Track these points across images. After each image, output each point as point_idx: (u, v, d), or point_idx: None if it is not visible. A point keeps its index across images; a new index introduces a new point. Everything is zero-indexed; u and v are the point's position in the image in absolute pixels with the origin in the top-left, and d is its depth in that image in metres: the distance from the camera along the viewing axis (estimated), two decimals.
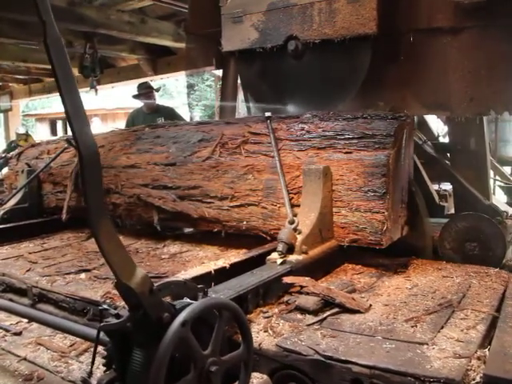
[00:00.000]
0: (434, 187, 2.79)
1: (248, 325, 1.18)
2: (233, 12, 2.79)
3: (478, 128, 2.54)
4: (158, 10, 6.39)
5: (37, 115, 20.07)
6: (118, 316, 1.03)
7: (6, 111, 12.41)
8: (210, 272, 1.64)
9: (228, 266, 1.70)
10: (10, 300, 2.10)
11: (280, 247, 1.71)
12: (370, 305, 1.60)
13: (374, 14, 2.34)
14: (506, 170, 6.74)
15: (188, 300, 1.12)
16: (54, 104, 19.63)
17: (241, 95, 3.74)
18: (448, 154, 2.79)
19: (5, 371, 1.72)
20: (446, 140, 3.05)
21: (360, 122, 2.02)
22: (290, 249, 1.74)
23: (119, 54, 7.71)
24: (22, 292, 2.13)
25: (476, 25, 2.33)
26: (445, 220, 2.34)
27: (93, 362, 1.08)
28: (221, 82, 3.93)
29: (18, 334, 1.93)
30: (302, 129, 2.10)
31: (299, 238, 1.77)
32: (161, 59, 7.86)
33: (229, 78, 3.65)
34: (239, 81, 3.42)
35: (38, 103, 20.96)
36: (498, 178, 6.09)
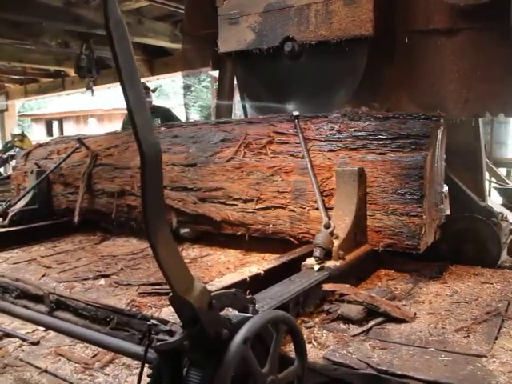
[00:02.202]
0: None
1: (304, 339, 1.09)
2: (229, 13, 2.79)
3: (473, 129, 2.51)
4: (154, 11, 6.36)
5: (33, 116, 19.87)
6: (170, 333, 0.93)
7: (1, 112, 12.29)
8: (246, 279, 1.55)
9: (262, 272, 1.61)
10: (25, 307, 2.00)
11: (317, 253, 1.63)
12: (415, 313, 1.53)
13: (370, 15, 2.35)
14: (502, 171, 6.74)
15: (242, 313, 1.03)
16: (49, 104, 19.44)
17: (237, 96, 3.73)
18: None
19: None
20: None
21: (393, 121, 1.94)
22: (327, 254, 1.66)
23: None
24: (37, 299, 2.04)
25: (472, 27, 2.34)
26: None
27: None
28: (217, 83, 3.93)
29: (36, 343, 1.81)
30: (332, 129, 2.02)
31: (336, 242, 1.69)
32: (157, 60, 7.85)
33: (225, 78, 3.67)
34: (236, 82, 3.41)
35: (33, 104, 20.74)
36: (493, 179, 6.08)
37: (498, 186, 5.92)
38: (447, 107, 2.37)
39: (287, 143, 2.11)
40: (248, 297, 1.14)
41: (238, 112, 5.92)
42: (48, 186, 2.93)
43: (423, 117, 1.94)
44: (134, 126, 0.73)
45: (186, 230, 2.65)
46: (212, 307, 0.91)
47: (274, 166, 2.07)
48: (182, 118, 8.01)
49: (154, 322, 0.96)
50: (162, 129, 2.67)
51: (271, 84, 2.84)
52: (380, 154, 1.89)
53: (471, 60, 2.37)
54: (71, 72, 8.52)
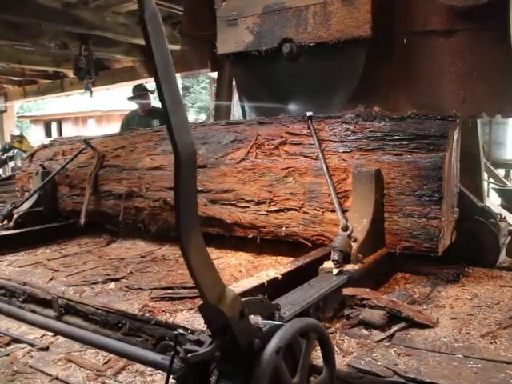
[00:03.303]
0: None
1: (333, 347, 1.05)
2: (228, 15, 2.79)
3: (471, 130, 2.50)
4: None
5: (31, 117, 19.79)
6: (198, 343, 0.89)
7: (0, 113, 12.21)
8: (263, 284, 1.51)
9: (280, 276, 1.57)
10: (33, 311, 1.96)
11: (335, 256, 1.59)
12: (437, 318, 1.49)
13: (368, 16, 2.35)
14: (500, 172, 6.74)
15: (271, 321, 0.99)
16: (48, 106, 19.36)
17: (236, 97, 3.75)
18: None
19: None
20: None
21: (409, 122, 1.90)
22: (345, 257, 1.62)
23: (114, 56, 7.69)
24: (45, 303, 1.99)
25: (469, 28, 2.35)
26: None
27: None
28: (216, 84, 3.93)
29: (45, 349, 1.76)
30: (347, 129, 1.99)
31: (354, 245, 1.65)
32: None
33: (224, 80, 3.67)
34: (234, 83, 3.41)
35: (32, 105, 20.67)
36: (491, 180, 6.07)
37: (496, 186, 5.92)
38: (444, 108, 2.36)
39: (300, 144, 2.07)
40: (273, 303, 1.10)
41: (236, 113, 5.91)
42: (53, 188, 2.88)
43: (439, 117, 1.90)
44: (169, 124, 0.69)
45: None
46: (244, 316, 0.87)
47: (288, 168, 2.03)
48: None
49: (180, 331, 0.92)
50: None
51: (270, 85, 2.84)
52: (396, 154, 1.85)
53: (468, 61, 2.38)
54: (70, 73, 8.50)
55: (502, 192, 5.56)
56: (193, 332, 0.95)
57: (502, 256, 2.18)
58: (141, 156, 2.59)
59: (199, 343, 0.89)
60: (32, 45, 6.76)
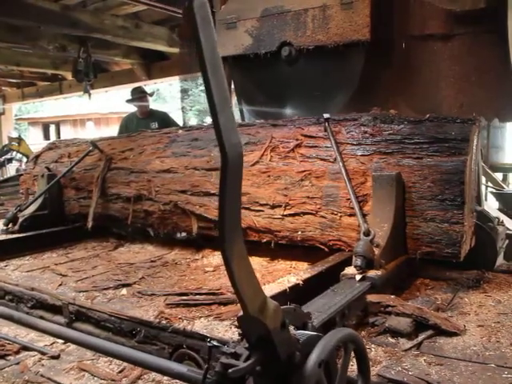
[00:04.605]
0: None
1: (368, 359, 1.01)
2: (227, 18, 2.81)
3: None
4: (152, 15, 6.34)
5: (29, 119, 19.68)
6: (235, 356, 0.84)
7: None
8: (286, 290, 1.47)
9: (301, 282, 1.53)
10: (41, 318, 1.91)
11: (358, 262, 1.55)
12: (464, 325, 1.45)
13: (367, 20, 2.37)
14: (498, 176, 6.73)
15: (306, 331, 0.94)
16: (46, 108, 19.26)
17: (234, 100, 3.76)
18: None
19: None
20: None
21: (429, 125, 1.87)
22: (368, 263, 1.58)
23: (113, 58, 7.69)
24: (55, 309, 1.94)
25: (467, 32, 2.37)
26: None
27: None
28: None
29: (56, 357, 1.70)
30: (365, 132, 1.95)
31: (377, 251, 1.61)
32: (155, 64, 7.84)
33: None
34: (233, 86, 3.42)
35: (30, 107, 20.56)
36: (489, 184, 6.06)
37: (494, 190, 5.91)
38: (442, 111, 2.36)
39: (317, 147, 2.03)
40: (305, 312, 1.05)
41: (235, 116, 5.89)
42: (59, 191, 2.82)
43: (459, 120, 1.87)
44: (217, 124, 0.65)
45: (183, 234, 2.60)
46: (285, 327, 0.82)
47: (304, 171, 1.99)
48: (180, 122, 8.01)
49: (214, 343, 0.87)
50: (180, 131, 2.58)
51: (268, 88, 2.84)
52: (417, 158, 1.81)
53: (467, 65, 2.39)
54: (68, 76, 8.49)
55: (500, 196, 5.55)
56: (223, 343, 0.90)
57: (500, 260, 2.18)
58: (150, 158, 2.54)
59: (236, 356, 0.85)
60: (31, 47, 6.76)
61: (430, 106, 2.43)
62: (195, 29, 0.62)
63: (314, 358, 0.82)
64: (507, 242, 2.32)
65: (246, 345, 0.85)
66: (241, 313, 0.80)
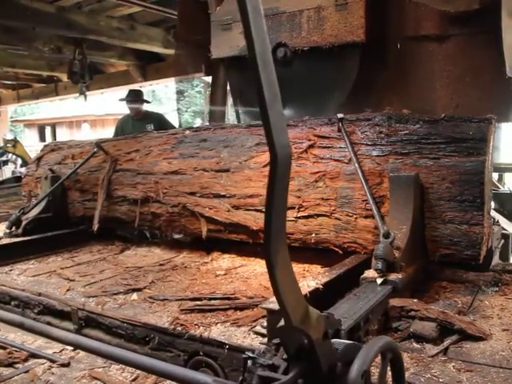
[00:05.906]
0: None
1: (404, 368, 0.97)
2: (222, 19, 2.80)
3: None
4: (147, 17, 6.30)
5: (25, 121, 19.54)
6: (273, 367, 0.80)
7: None
8: (306, 295, 1.42)
9: (321, 287, 1.49)
10: (49, 324, 1.85)
11: (379, 265, 1.51)
12: (489, 329, 1.42)
13: (361, 21, 2.37)
14: (494, 176, 6.74)
15: (343, 340, 0.90)
16: (42, 110, 19.11)
17: (230, 101, 3.75)
18: None
19: None
20: None
21: (446, 124, 1.83)
22: (388, 266, 1.54)
23: (109, 60, 7.64)
24: (63, 315, 1.89)
25: (462, 33, 2.37)
26: None
27: None
28: (210, 89, 3.93)
29: (66, 365, 1.65)
30: (380, 132, 1.91)
31: (397, 253, 1.57)
32: (150, 65, 7.79)
33: (218, 84, 3.71)
34: (228, 87, 3.43)
35: (26, 109, 20.41)
36: None
37: None
38: (438, 112, 2.35)
39: (330, 147, 1.99)
40: (337, 319, 1.01)
41: (230, 117, 5.85)
42: (63, 193, 2.77)
43: (476, 119, 1.84)
44: (267, 122, 0.60)
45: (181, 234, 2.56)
46: (327, 337, 0.78)
47: (318, 172, 1.95)
48: (175, 124, 7.96)
49: (250, 354, 0.82)
50: (187, 132, 2.54)
51: None
52: (434, 158, 1.78)
53: (461, 65, 2.39)
54: (64, 77, 8.41)
55: (496, 196, 5.58)
56: (242, 350, 0.86)
57: (496, 259, 2.17)
58: (157, 160, 2.49)
59: (274, 368, 0.80)
60: (26, 49, 6.72)
61: (425, 105, 2.43)
62: (246, 19, 0.57)
63: (356, 368, 0.78)
64: (502, 241, 2.32)
65: (284, 356, 0.81)
66: (282, 323, 0.76)
